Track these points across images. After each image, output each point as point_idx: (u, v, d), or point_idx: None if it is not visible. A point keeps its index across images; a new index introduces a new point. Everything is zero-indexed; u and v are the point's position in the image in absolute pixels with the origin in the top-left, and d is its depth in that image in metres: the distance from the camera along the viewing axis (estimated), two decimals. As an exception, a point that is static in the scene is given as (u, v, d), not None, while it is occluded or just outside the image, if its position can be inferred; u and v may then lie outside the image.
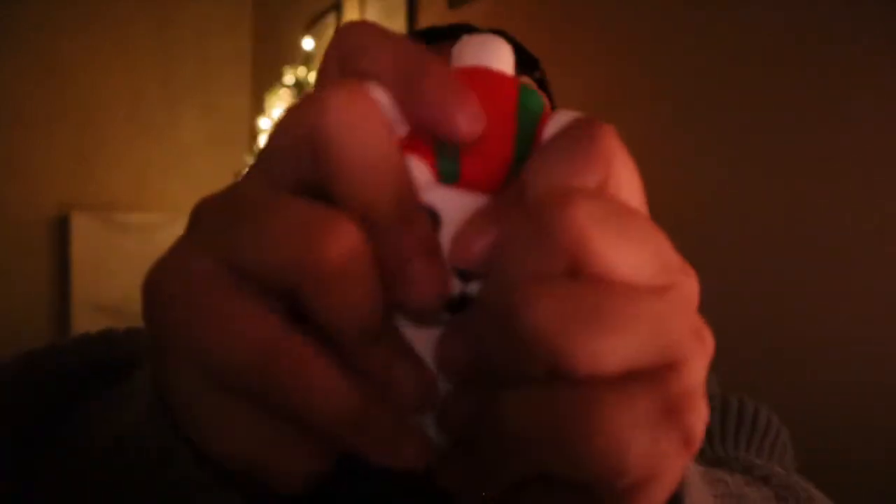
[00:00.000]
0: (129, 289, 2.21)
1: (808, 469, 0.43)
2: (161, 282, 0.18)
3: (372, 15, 2.19)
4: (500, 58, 0.21)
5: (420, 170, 0.19)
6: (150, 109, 2.57)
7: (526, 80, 0.22)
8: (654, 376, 0.17)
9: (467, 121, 0.18)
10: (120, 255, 2.37)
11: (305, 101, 0.18)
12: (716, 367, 0.25)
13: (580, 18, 1.36)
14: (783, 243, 1.00)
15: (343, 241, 0.16)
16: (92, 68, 2.47)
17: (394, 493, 0.27)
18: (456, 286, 0.18)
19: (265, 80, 2.61)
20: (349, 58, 0.19)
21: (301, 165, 0.18)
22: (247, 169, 0.20)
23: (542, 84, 0.51)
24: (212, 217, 0.18)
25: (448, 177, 0.19)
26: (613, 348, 0.16)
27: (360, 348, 0.18)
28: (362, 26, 0.19)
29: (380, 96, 0.19)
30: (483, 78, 0.20)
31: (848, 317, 0.92)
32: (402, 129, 0.19)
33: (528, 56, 0.52)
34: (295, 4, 2.65)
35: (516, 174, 0.19)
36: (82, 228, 2.44)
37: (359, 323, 0.17)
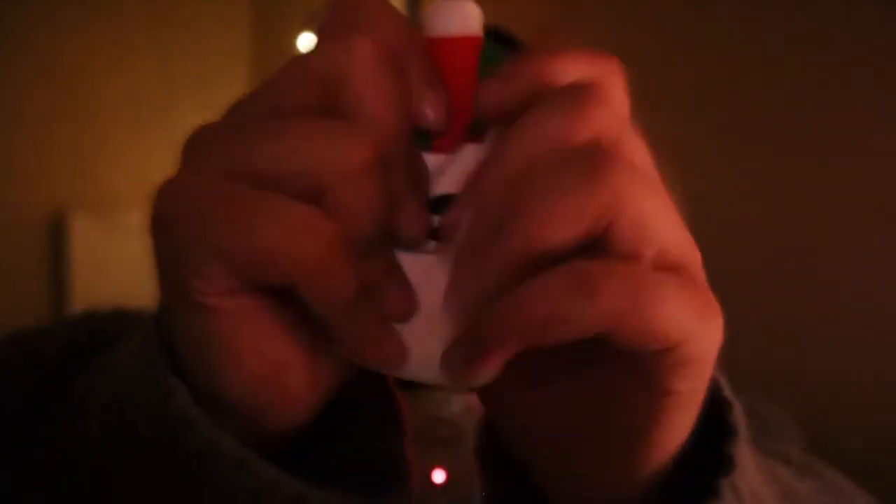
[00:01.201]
0: (128, 288, 2.21)
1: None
2: (176, 192, 0.19)
3: (371, 14, 2.18)
4: (465, 20, 0.23)
5: None
6: (150, 109, 2.57)
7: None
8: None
9: (436, 114, 0.21)
10: (119, 255, 2.36)
11: (326, 44, 0.20)
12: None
13: (581, 18, 1.36)
14: (783, 243, 1.00)
15: (365, 144, 0.19)
16: (90, 68, 2.47)
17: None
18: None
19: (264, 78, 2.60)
20: (351, 25, 0.21)
21: (309, 100, 0.20)
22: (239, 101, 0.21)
23: None
24: (219, 135, 0.20)
25: (421, 146, 0.22)
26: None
27: (361, 257, 0.19)
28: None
29: None
30: (447, 47, 0.22)
31: (848, 316, 0.92)
32: None
33: (521, 45, 0.53)
34: (293, 3, 2.65)
35: (479, 128, 0.22)
36: (81, 228, 2.43)
37: (374, 222, 0.19)
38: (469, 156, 0.22)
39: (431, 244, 0.21)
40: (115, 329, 0.30)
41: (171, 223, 0.19)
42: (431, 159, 0.22)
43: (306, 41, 2.45)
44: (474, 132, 0.22)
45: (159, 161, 2.48)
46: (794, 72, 0.97)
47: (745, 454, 0.23)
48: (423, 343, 0.21)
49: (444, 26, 0.22)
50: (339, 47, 0.20)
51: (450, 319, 0.20)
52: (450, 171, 0.22)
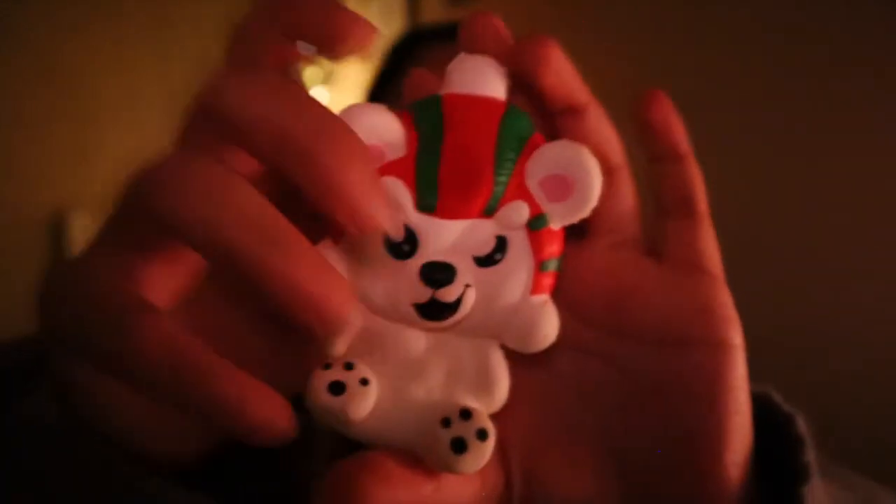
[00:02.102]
0: (128, 288, 2.20)
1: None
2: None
3: (372, 12, 2.18)
4: (490, 81, 0.21)
5: (403, 193, 0.20)
6: (149, 108, 2.57)
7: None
8: None
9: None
10: (119, 255, 2.35)
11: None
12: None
13: (581, 18, 1.36)
14: (783, 243, 1.00)
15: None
16: (90, 68, 2.47)
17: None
18: (425, 293, 0.20)
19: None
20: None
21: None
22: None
23: None
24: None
25: (426, 208, 0.20)
26: None
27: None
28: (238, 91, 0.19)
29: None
30: (469, 106, 0.21)
31: (849, 316, 0.92)
32: (396, 153, 0.20)
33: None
34: (294, 3, 2.64)
35: (499, 198, 0.20)
36: (81, 228, 2.43)
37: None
38: (480, 230, 0.20)
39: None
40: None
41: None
42: (434, 225, 0.20)
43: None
44: (488, 212, 0.20)
45: (159, 161, 2.49)
46: (794, 71, 0.97)
47: (815, 462, 0.23)
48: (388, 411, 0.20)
49: (469, 83, 0.21)
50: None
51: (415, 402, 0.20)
52: (452, 241, 0.20)
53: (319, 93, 2.41)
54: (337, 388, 0.19)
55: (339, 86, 2.40)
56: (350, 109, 0.20)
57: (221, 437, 0.22)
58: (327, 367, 0.20)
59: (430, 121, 0.21)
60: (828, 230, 0.94)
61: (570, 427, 0.23)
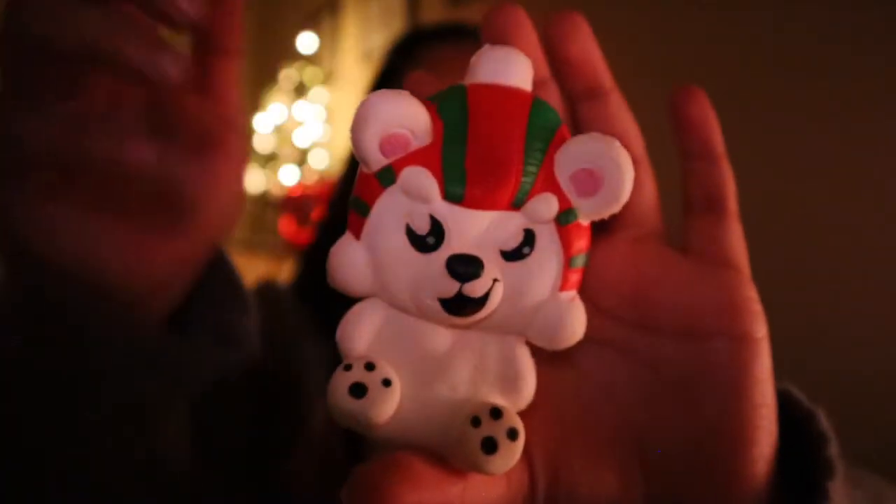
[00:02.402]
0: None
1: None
2: None
3: (372, 12, 2.18)
4: (516, 72, 0.21)
5: (430, 182, 0.19)
6: (149, 108, 2.55)
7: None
8: None
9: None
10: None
11: None
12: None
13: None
14: (784, 244, 1.00)
15: None
16: (90, 66, 2.45)
17: None
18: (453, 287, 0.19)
19: (262, 77, 2.61)
20: None
21: None
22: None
23: None
24: None
25: (453, 197, 0.19)
26: None
27: None
28: None
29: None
30: (494, 96, 0.20)
31: (850, 316, 0.92)
32: (421, 142, 0.20)
33: None
34: (293, 1, 2.64)
35: (527, 190, 0.19)
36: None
37: None
38: (507, 223, 0.19)
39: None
40: None
41: None
42: (460, 215, 0.19)
43: (306, 40, 2.45)
44: (517, 205, 0.19)
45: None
46: (794, 70, 0.97)
47: (838, 457, 0.22)
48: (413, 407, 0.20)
49: (494, 73, 0.21)
50: None
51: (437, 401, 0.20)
52: (479, 233, 0.19)
53: (319, 93, 2.41)
54: (358, 390, 0.19)
55: (339, 86, 2.40)
56: (374, 96, 0.19)
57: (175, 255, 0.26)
58: (348, 367, 0.19)
59: (454, 110, 0.20)
60: (827, 230, 0.94)
61: (593, 424, 0.22)
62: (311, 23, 2.48)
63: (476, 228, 0.19)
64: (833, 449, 0.22)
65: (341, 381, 0.19)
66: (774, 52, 1.02)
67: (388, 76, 0.68)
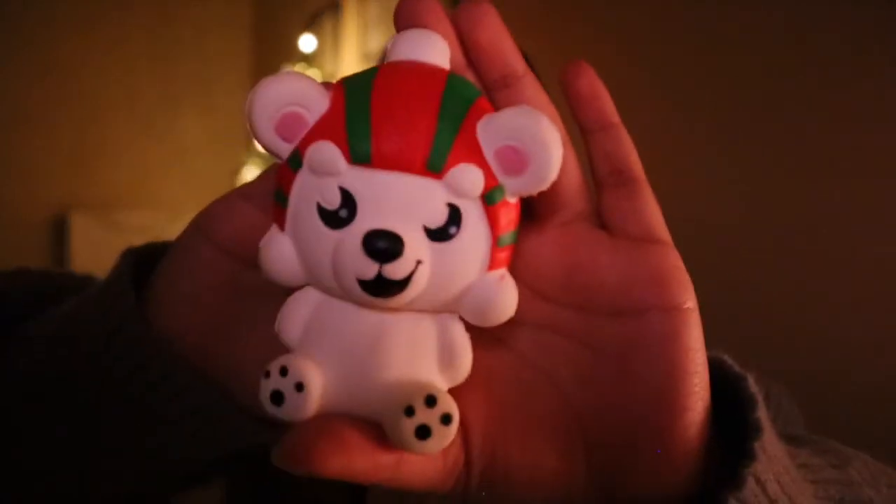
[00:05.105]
0: (128, 288, 2.20)
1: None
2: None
3: (372, 13, 2.18)
4: (433, 51, 0.21)
5: (332, 153, 0.18)
6: (149, 108, 2.57)
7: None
8: None
9: None
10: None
11: None
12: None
13: (581, 19, 1.36)
14: (785, 244, 1.00)
15: None
16: (90, 68, 2.46)
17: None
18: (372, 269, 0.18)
19: (262, 78, 2.60)
20: None
21: None
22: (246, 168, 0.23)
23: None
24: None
25: (359, 157, 0.18)
26: None
27: None
28: None
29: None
30: (406, 69, 0.20)
31: (851, 315, 0.91)
32: (317, 113, 0.19)
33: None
34: (294, 3, 2.65)
35: (444, 153, 0.18)
36: (81, 228, 2.43)
37: None
38: (428, 195, 0.19)
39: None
40: (50, 283, 0.34)
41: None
42: (370, 177, 0.18)
43: (306, 41, 2.45)
44: (432, 168, 0.18)
45: (159, 161, 2.49)
46: (793, 70, 0.97)
47: (766, 419, 0.23)
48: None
49: (411, 52, 0.20)
50: None
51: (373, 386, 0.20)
52: (398, 204, 0.18)
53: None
54: (278, 397, 0.19)
55: (339, 86, 2.39)
56: (255, 87, 0.19)
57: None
58: (267, 375, 0.19)
59: (361, 83, 0.20)
60: (826, 230, 0.94)
61: (532, 405, 0.23)
62: (312, 24, 2.48)
63: (393, 197, 0.18)
64: (761, 411, 0.23)
65: (263, 390, 0.19)
66: (774, 52, 1.02)
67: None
